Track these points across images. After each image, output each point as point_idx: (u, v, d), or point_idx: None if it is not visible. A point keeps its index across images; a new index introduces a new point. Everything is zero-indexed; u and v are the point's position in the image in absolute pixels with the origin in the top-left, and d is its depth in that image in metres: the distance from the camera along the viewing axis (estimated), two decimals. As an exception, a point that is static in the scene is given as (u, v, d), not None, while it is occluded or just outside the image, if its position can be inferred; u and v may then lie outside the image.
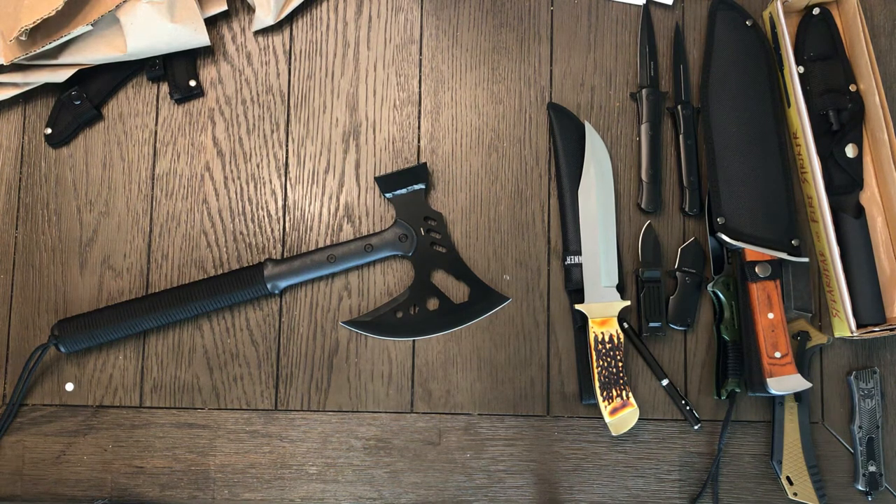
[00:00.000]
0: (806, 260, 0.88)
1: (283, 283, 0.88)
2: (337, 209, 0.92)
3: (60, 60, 0.88)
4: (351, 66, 0.94)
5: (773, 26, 0.91)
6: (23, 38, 0.84)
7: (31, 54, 0.86)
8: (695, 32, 0.94)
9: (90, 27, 0.85)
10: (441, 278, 0.90)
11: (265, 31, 0.94)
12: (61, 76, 0.90)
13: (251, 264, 0.90)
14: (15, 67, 0.88)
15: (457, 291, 0.90)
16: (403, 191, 0.90)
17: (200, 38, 0.91)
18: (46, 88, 0.93)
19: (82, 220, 0.92)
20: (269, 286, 0.88)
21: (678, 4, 0.95)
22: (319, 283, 0.91)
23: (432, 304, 0.90)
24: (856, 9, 0.90)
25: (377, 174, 0.92)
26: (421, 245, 0.90)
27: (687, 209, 0.91)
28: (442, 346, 0.90)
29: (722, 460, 0.88)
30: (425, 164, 0.91)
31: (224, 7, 0.92)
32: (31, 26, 0.83)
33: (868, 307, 0.87)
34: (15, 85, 0.91)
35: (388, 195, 0.90)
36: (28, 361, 0.87)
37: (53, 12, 0.82)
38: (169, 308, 0.87)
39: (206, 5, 0.92)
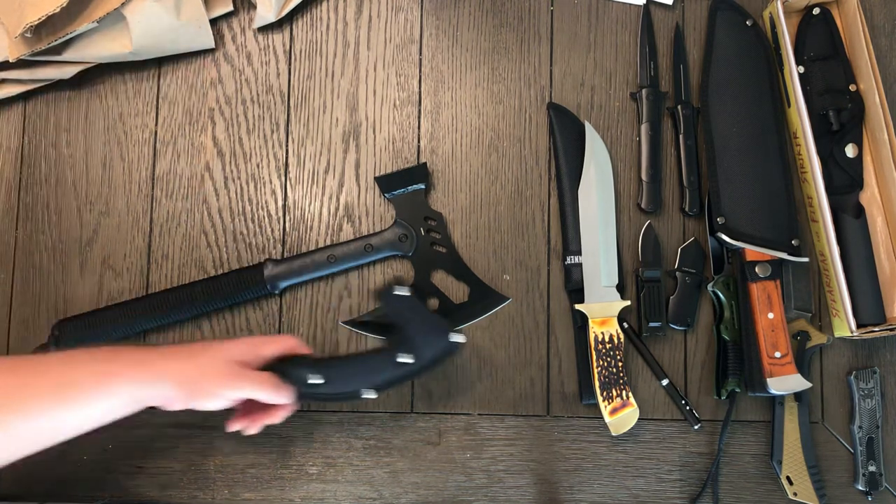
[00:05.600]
0: (806, 260, 0.88)
1: (283, 283, 0.88)
2: (337, 209, 0.92)
3: (66, 57, 0.88)
4: (351, 66, 0.94)
5: (773, 26, 0.91)
6: (28, 34, 0.84)
7: (36, 51, 0.86)
8: (695, 32, 0.94)
9: (96, 24, 0.85)
10: (441, 278, 0.90)
11: (265, 31, 0.94)
12: (67, 73, 0.90)
13: (251, 264, 0.90)
14: (21, 64, 0.88)
15: (457, 291, 0.90)
16: (403, 191, 0.90)
17: (205, 38, 0.91)
18: (47, 87, 0.93)
19: (82, 220, 0.92)
20: (269, 286, 0.88)
21: (678, 4, 0.95)
22: (319, 283, 0.90)
23: (432, 304, 0.90)
24: (856, 9, 0.90)
25: (377, 174, 0.92)
26: (421, 245, 0.89)
27: (687, 209, 0.91)
28: (442, 346, 0.90)
29: (722, 460, 0.88)
30: (425, 164, 0.91)
31: (230, 8, 0.92)
32: (35, 23, 0.82)
33: (868, 307, 0.87)
34: (21, 82, 0.91)
35: (388, 195, 0.90)
36: None
37: (58, 9, 0.82)
38: (169, 308, 0.87)
39: (212, 6, 0.92)
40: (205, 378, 0.72)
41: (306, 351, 0.79)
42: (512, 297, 0.90)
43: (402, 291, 0.79)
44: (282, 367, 0.76)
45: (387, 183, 0.90)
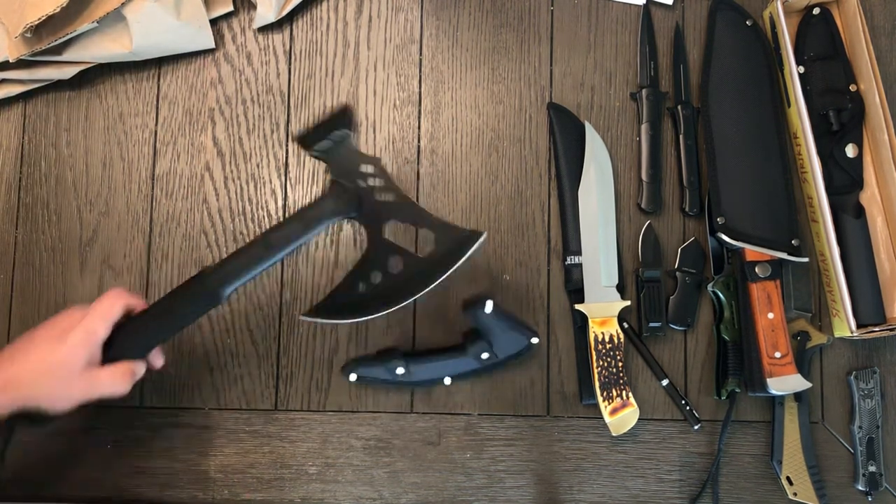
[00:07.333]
0: (806, 260, 0.88)
1: (227, 290, 0.75)
2: (337, 209, 0.92)
3: (66, 58, 0.88)
4: (351, 66, 0.94)
5: (773, 26, 0.91)
6: (28, 35, 0.84)
7: (36, 51, 0.86)
8: (695, 32, 0.94)
9: (96, 24, 0.85)
10: (398, 231, 0.80)
11: (265, 31, 0.94)
12: (67, 73, 0.90)
13: (186, 280, 0.77)
14: (21, 64, 0.88)
15: (421, 244, 0.84)
16: (328, 143, 0.79)
17: (205, 38, 0.91)
18: (47, 87, 0.93)
19: (82, 220, 0.92)
20: (213, 297, 0.75)
21: (678, 4, 0.95)
22: (319, 281, 0.90)
23: (395, 264, 0.77)
24: (856, 9, 0.90)
25: (295, 134, 0.81)
26: (365, 200, 0.77)
27: (687, 209, 0.91)
28: (442, 345, 0.90)
29: (722, 460, 0.88)
30: (346, 105, 0.83)
31: (230, 8, 0.92)
32: (35, 23, 0.82)
33: (868, 307, 0.87)
34: (21, 82, 0.91)
35: (314, 153, 0.80)
36: None
37: (58, 9, 0.82)
38: (132, 345, 0.75)
39: (212, 6, 0.92)
40: (44, 387, 0.70)
41: (136, 302, 0.74)
42: (512, 297, 0.90)
43: (489, 308, 0.81)
44: (376, 360, 0.85)
45: (308, 139, 0.80)
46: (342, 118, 0.80)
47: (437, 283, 0.74)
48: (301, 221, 0.76)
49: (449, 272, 0.74)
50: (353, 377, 0.87)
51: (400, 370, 0.85)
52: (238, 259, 0.76)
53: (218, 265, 0.76)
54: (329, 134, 0.79)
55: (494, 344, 0.86)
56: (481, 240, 0.75)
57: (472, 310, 0.82)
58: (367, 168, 0.78)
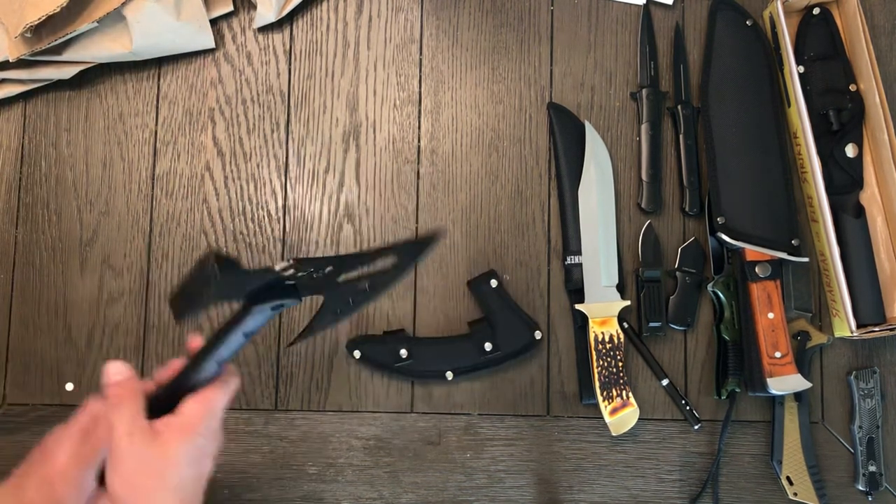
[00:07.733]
0: (806, 260, 0.88)
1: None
2: (337, 209, 0.92)
3: (66, 57, 0.88)
4: (351, 66, 0.94)
5: (773, 26, 0.91)
6: (28, 34, 0.84)
7: (36, 51, 0.86)
8: (695, 32, 0.95)
9: (96, 24, 0.85)
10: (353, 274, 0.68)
11: (265, 31, 0.94)
12: (67, 73, 0.90)
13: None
14: (21, 64, 0.88)
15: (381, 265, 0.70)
16: (221, 294, 0.63)
17: (205, 38, 0.91)
18: (47, 87, 0.93)
19: (82, 220, 0.92)
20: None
21: (678, 4, 0.95)
22: (319, 282, 0.90)
23: (361, 287, 0.69)
24: (856, 9, 0.90)
25: (175, 309, 0.64)
26: (301, 281, 0.66)
27: (687, 209, 0.91)
28: (442, 345, 0.90)
29: (722, 460, 0.88)
30: (209, 252, 0.68)
31: (230, 8, 0.92)
32: (35, 23, 0.83)
33: (868, 307, 0.87)
34: (21, 82, 0.91)
35: (213, 305, 0.68)
36: None
37: (58, 9, 0.82)
38: None
39: (212, 6, 0.92)
40: None
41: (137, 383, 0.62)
42: (512, 296, 0.90)
43: (494, 283, 0.87)
44: (381, 340, 0.86)
45: (193, 308, 0.64)
46: (204, 275, 0.62)
47: (405, 272, 0.70)
48: (243, 336, 0.65)
49: (414, 263, 0.75)
50: (356, 354, 0.87)
51: (403, 352, 0.86)
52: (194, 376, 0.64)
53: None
54: (209, 291, 0.62)
55: (498, 331, 0.86)
56: (439, 232, 0.81)
57: (477, 285, 0.88)
58: (285, 264, 0.65)
